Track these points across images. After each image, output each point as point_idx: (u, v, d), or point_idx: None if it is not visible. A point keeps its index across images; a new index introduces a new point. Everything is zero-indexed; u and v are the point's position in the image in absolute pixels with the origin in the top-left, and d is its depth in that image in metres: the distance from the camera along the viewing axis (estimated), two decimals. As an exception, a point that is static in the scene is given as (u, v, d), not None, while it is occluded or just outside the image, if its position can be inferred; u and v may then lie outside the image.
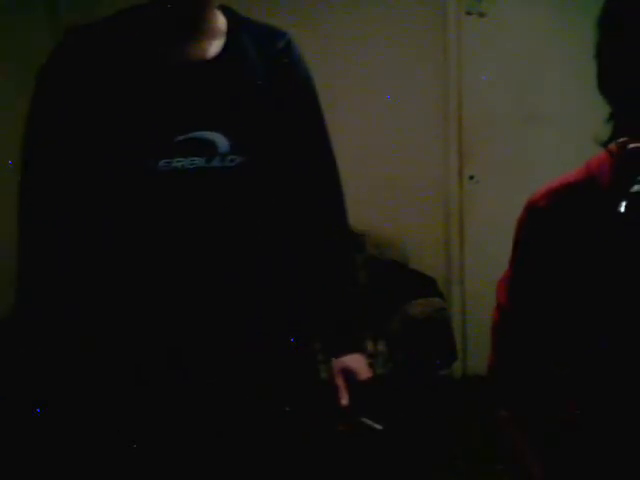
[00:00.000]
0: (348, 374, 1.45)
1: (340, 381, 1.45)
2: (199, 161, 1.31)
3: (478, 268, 3.67)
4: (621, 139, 1.04)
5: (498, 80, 3.62)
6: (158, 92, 1.31)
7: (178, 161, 1.30)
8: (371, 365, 1.49)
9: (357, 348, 1.49)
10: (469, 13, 3.59)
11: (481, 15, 3.59)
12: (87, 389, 1.35)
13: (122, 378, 1.34)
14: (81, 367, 1.34)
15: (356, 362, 1.47)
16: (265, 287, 1.39)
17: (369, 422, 1.46)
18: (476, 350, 3.68)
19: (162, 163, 1.29)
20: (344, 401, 1.44)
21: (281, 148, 1.41)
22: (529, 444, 1.19)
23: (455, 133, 3.66)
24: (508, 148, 3.65)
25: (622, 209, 1.00)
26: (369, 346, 3.09)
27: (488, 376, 1.21)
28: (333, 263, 1.49)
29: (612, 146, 1.05)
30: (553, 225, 1.08)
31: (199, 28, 1.35)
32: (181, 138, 1.30)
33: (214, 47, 1.36)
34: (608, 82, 1.05)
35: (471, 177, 3.68)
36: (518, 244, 1.15)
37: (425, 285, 3.26)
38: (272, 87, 1.39)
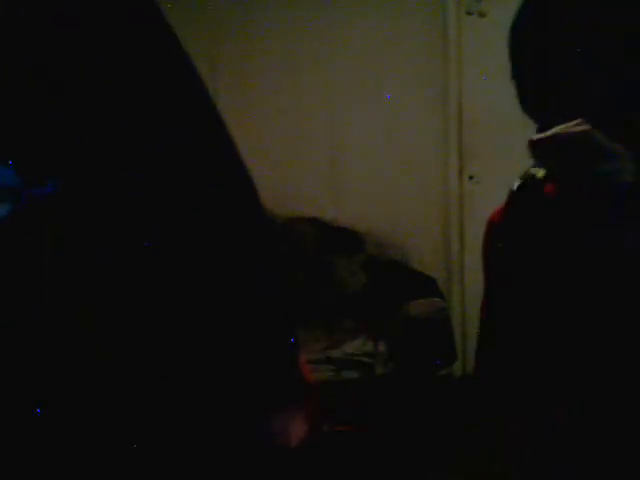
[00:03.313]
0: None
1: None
2: None
3: (478, 268, 3.66)
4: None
5: (498, 80, 3.61)
6: None
7: None
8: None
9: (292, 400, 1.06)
10: (469, 13, 3.59)
11: (481, 15, 3.59)
12: None
13: None
14: None
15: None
16: None
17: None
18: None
19: None
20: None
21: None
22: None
23: (455, 133, 3.66)
24: (508, 148, 3.65)
25: (514, 188, 1.03)
26: (369, 346, 3.10)
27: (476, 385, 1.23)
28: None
29: None
30: (508, 237, 1.11)
31: None
32: None
33: None
34: (527, 102, 1.09)
35: (471, 177, 3.68)
36: (484, 261, 1.19)
37: (425, 285, 3.27)
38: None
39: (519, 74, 1.08)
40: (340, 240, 3.54)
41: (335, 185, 3.74)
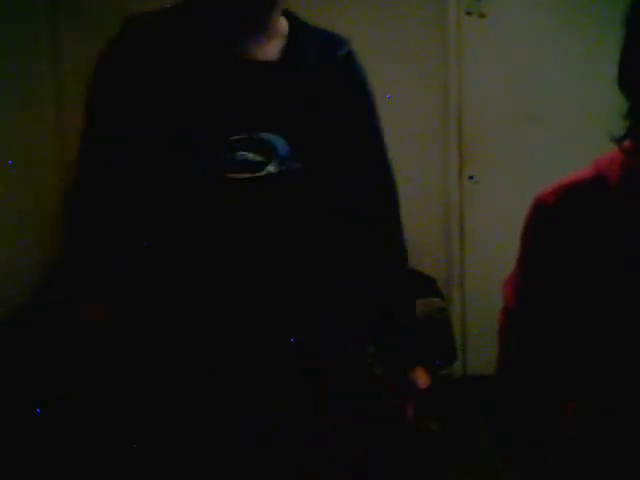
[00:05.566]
0: (409, 385, 1.52)
1: (403, 395, 1.52)
2: None
3: (478, 268, 3.67)
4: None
5: (498, 80, 3.62)
6: (217, 88, 1.29)
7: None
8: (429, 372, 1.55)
9: (418, 362, 1.53)
10: (469, 13, 3.59)
11: (481, 15, 3.59)
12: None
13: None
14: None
15: (415, 374, 1.52)
16: (315, 288, 1.38)
17: (428, 424, 1.56)
18: (476, 350, 3.68)
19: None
20: (409, 414, 1.52)
21: (339, 156, 1.38)
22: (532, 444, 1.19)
23: (455, 133, 3.66)
24: (508, 148, 3.65)
25: None
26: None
27: (495, 377, 1.21)
28: (389, 275, 1.52)
29: (626, 143, 1.04)
30: (562, 223, 1.07)
31: (261, 29, 1.33)
32: (238, 137, 1.27)
33: (275, 49, 1.35)
34: (628, 77, 1.04)
35: (471, 177, 3.68)
36: (526, 242, 1.14)
37: (425, 285, 3.26)
38: (332, 94, 1.38)
39: (631, 49, 1.03)
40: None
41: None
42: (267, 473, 1.40)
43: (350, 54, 1.47)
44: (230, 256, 1.31)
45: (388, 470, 2.71)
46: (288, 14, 1.42)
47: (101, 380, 1.52)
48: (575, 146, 3.30)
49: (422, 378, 1.52)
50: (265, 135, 1.29)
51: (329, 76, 1.38)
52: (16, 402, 2.45)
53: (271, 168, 1.28)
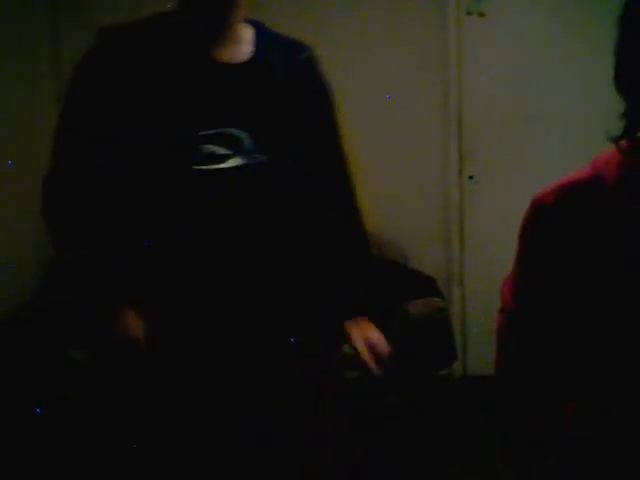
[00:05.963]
0: (370, 346, 1.54)
1: (363, 349, 1.53)
2: None
3: (478, 268, 3.67)
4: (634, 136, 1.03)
5: (498, 80, 3.62)
6: (188, 88, 1.38)
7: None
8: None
9: (367, 313, 1.57)
10: (469, 13, 3.58)
11: (481, 15, 3.58)
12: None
13: None
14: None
15: (375, 335, 1.55)
16: (285, 277, 1.46)
17: (385, 395, 1.60)
18: (476, 350, 3.68)
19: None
20: (376, 371, 1.53)
21: (301, 150, 1.49)
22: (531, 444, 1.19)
23: (455, 133, 3.65)
24: (508, 148, 3.65)
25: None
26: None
27: (495, 377, 1.21)
28: (347, 244, 1.62)
29: (623, 143, 1.05)
30: (560, 223, 1.07)
31: (227, 35, 1.43)
32: (206, 133, 1.35)
33: (242, 53, 1.45)
34: (624, 77, 1.04)
35: (471, 177, 3.68)
36: (524, 242, 1.14)
37: (425, 285, 3.26)
38: (294, 93, 1.48)
39: (626, 49, 1.03)
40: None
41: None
42: (267, 473, 1.40)
43: (311, 58, 1.56)
44: (202, 248, 1.38)
45: (388, 470, 2.71)
46: (254, 22, 1.51)
47: (101, 380, 1.53)
48: (575, 146, 3.30)
49: (372, 331, 1.54)
50: (232, 130, 1.37)
51: (292, 77, 1.49)
52: (16, 402, 2.45)
53: (236, 160, 1.37)
